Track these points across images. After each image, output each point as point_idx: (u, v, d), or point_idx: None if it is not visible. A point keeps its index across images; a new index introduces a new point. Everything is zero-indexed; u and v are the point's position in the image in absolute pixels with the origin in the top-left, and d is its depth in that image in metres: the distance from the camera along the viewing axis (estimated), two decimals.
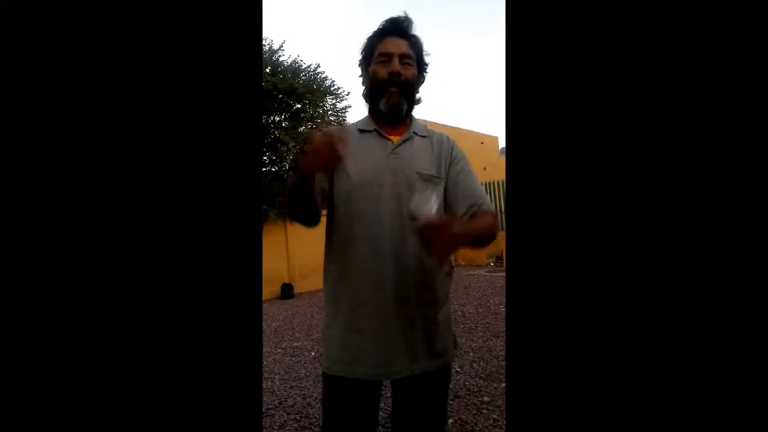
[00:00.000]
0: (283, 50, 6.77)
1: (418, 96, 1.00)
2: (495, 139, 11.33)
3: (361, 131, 0.96)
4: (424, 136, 0.98)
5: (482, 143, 10.42)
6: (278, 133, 6.38)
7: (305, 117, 6.98)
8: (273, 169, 6.60)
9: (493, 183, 8.13)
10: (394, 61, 0.91)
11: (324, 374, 0.94)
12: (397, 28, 0.94)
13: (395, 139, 0.95)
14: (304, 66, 7.01)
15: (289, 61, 6.91)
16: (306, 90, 6.72)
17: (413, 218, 0.75)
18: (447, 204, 0.94)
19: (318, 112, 7.21)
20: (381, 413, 1.89)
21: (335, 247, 0.93)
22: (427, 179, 0.91)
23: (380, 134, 0.95)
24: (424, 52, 0.97)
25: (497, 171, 10.08)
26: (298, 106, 6.96)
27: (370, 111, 0.98)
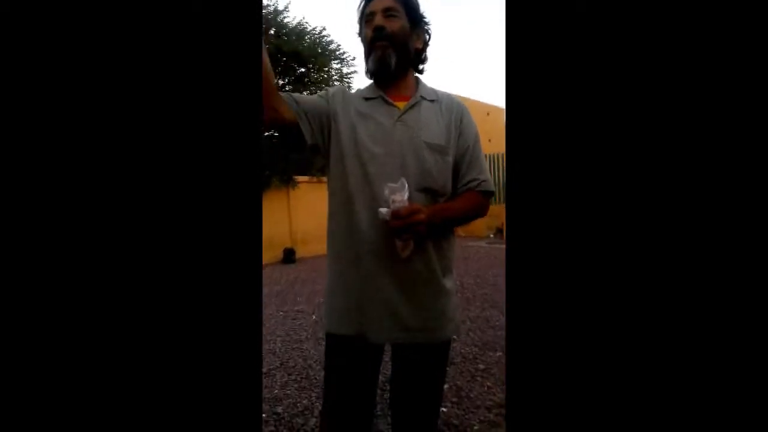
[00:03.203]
0: (287, 11, 6.59)
1: (423, 55, 0.98)
2: (501, 110, 11.12)
3: (366, 98, 0.94)
4: (432, 101, 0.95)
5: (488, 114, 10.24)
6: None
7: (309, 81, 6.84)
8: (276, 134, 6.54)
9: (500, 155, 8.03)
10: (377, 17, 0.89)
11: (327, 335, 0.96)
12: None
13: (401, 105, 0.92)
14: (309, 28, 6.80)
15: (294, 22, 6.72)
16: (311, 53, 6.54)
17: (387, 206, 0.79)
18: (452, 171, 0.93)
19: (322, 76, 7.06)
20: (380, 376, 1.96)
21: (339, 213, 0.92)
22: (435, 149, 0.90)
23: (385, 100, 0.92)
24: (416, 4, 0.94)
25: (504, 143, 9.91)
26: (302, 70, 6.79)
27: (370, 77, 0.97)
